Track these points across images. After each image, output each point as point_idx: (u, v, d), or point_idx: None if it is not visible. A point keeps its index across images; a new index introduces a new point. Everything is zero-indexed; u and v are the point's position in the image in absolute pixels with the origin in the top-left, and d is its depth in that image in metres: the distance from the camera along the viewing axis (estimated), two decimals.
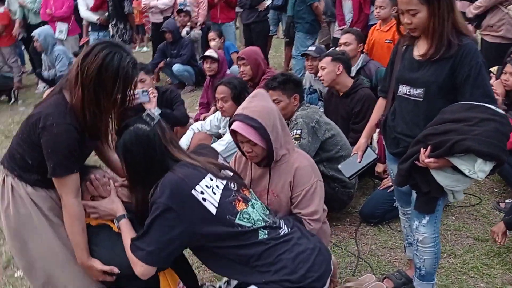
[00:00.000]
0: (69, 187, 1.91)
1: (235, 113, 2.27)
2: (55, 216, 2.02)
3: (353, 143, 2.95)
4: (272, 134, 2.21)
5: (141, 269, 1.86)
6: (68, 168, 1.89)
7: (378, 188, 3.53)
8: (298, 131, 3.05)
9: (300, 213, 2.29)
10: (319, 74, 3.78)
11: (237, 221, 1.92)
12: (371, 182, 3.89)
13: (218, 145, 3.51)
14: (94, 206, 2.07)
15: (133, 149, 1.91)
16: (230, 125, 2.27)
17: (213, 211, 1.88)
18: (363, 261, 2.93)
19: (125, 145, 1.92)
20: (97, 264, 1.97)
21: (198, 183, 1.89)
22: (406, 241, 2.64)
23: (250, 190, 2.15)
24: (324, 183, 2.42)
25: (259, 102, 2.26)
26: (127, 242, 1.92)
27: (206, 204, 1.87)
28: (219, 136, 3.87)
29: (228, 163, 3.43)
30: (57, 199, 2.00)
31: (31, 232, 2.00)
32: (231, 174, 2.12)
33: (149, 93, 3.47)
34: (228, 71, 5.13)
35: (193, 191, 1.86)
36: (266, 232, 1.97)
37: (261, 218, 2.00)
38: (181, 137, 3.72)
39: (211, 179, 1.95)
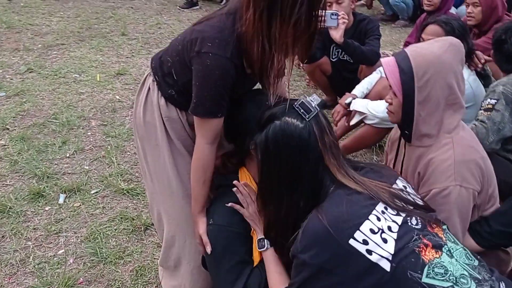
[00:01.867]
0: (207, 130, 1.58)
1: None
2: (181, 143, 1.74)
3: None
4: (420, 93, 1.52)
5: None
6: (211, 111, 1.53)
7: None
8: (493, 101, 2.26)
9: None
10: None
11: (424, 279, 1.24)
12: None
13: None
14: (248, 200, 1.57)
15: (276, 151, 1.37)
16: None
17: (386, 266, 1.23)
18: None
19: (266, 144, 1.38)
20: (202, 227, 1.64)
21: (358, 229, 1.26)
22: None
23: (445, 227, 1.41)
24: None
25: (437, 50, 1.56)
26: (272, 277, 1.47)
27: (372, 258, 1.24)
28: None
29: None
30: (189, 127, 1.72)
31: (151, 146, 1.78)
32: (412, 203, 1.40)
33: (339, 17, 2.86)
34: (453, 10, 4.13)
35: (351, 241, 1.25)
36: None
37: (466, 274, 1.27)
38: (363, 78, 3.08)
39: (379, 219, 1.29)
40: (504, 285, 1.30)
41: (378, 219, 1.28)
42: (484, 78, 2.72)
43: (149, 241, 2.40)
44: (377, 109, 2.66)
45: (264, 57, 1.44)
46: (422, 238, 1.29)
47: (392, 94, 1.60)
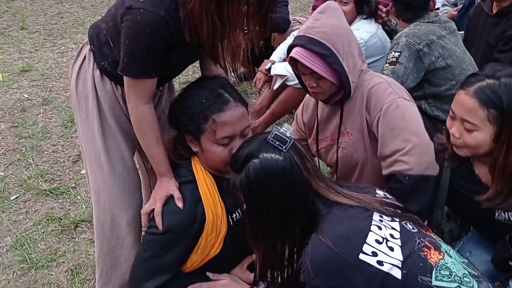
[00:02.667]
0: (142, 91, 1.50)
1: (296, 35, 1.70)
2: (113, 119, 1.65)
3: None
4: (347, 64, 1.62)
5: None
6: (144, 71, 1.45)
7: None
8: (396, 54, 2.32)
9: (388, 156, 1.61)
10: None
11: (434, 282, 1.23)
12: None
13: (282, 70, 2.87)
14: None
15: (261, 190, 1.30)
16: (288, 51, 1.69)
17: (398, 274, 1.22)
18: None
19: (248, 185, 1.30)
20: (162, 192, 1.54)
21: (365, 242, 1.24)
22: None
23: (428, 228, 1.45)
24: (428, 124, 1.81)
25: (328, 20, 1.65)
26: None
27: (384, 268, 1.22)
28: None
29: None
30: (123, 102, 1.62)
31: (82, 117, 1.68)
32: (399, 208, 1.41)
33: None
34: None
35: (361, 256, 1.22)
36: None
37: (466, 273, 1.29)
38: (277, 46, 3.10)
39: (380, 228, 1.28)
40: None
41: (379, 228, 1.28)
42: (391, 32, 2.84)
43: (81, 238, 2.31)
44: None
45: (215, 35, 1.39)
46: (423, 241, 1.30)
47: (315, 79, 1.65)
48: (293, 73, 2.71)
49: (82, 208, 2.49)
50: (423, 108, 2.38)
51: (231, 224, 1.58)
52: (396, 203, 1.43)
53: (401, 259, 1.23)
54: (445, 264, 1.26)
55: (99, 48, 1.59)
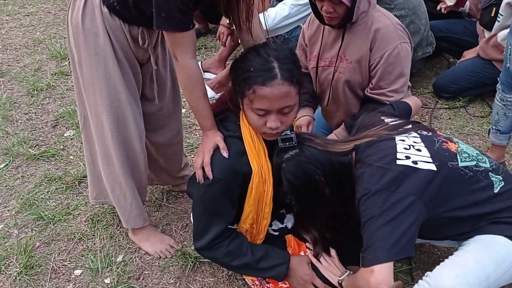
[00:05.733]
0: (186, 44, 1.54)
1: None
2: (123, 55, 1.70)
3: None
4: None
5: (379, 274, 1.38)
6: (185, 23, 1.49)
7: (458, 61, 3.20)
8: None
9: (379, 88, 1.97)
10: None
11: (460, 164, 1.52)
12: (445, 61, 3.49)
13: (280, 11, 3.08)
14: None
15: (304, 185, 1.57)
16: None
17: (433, 167, 1.46)
18: None
19: (293, 186, 1.58)
20: (210, 144, 1.62)
21: (396, 151, 1.49)
22: (494, 127, 2.37)
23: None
24: None
25: None
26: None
27: (420, 166, 1.46)
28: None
29: (295, 30, 3.15)
30: (132, 40, 1.68)
31: (89, 55, 1.67)
32: (409, 123, 1.67)
33: None
34: None
35: (398, 162, 1.46)
36: (502, 179, 1.56)
37: (478, 152, 1.62)
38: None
39: (403, 140, 1.54)
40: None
41: (403, 140, 1.54)
42: None
43: (88, 191, 2.40)
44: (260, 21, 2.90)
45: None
46: (440, 138, 1.59)
47: (332, 5, 1.84)
48: None
49: (80, 165, 2.55)
50: None
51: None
52: (405, 120, 1.71)
53: (429, 155, 1.49)
54: (463, 149, 1.58)
55: None
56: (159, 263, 2.02)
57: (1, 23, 4.39)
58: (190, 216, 1.94)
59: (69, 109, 2.98)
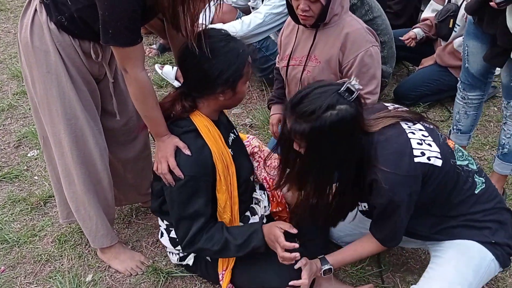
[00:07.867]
0: (135, 58, 1.54)
1: None
2: (75, 71, 1.69)
3: None
4: None
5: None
6: (132, 39, 1.50)
7: (417, 68, 3.34)
8: None
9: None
10: None
11: (458, 162, 1.57)
12: (405, 69, 3.61)
13: (255, 18, 3.10)
14: None
15: (333, 138, 1.46)
16: None
17: (439, 163, 1.51)
18: None
19: (323, 133, 1.44)
20: (170, 149, 1.64)
21: (412, 147, 1.50)
22: (455, 127, 2.49)
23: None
24: None
25: None
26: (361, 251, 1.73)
27: (432, 162, 1.50)
28: (246, 11, 3.44)
29: (266, 40, 3.14)
30: (83, 54, 1.67)
31: (41, 74, 1.66)
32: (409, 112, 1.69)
33: None
34: None
35: (416, 159, 1.48)
36: (483, 181, 1.63)
37: (466, 153, 1.67)
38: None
39: (413, 133, 1.54)
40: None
41: (413, 133, 1.54)
42: None
43: (55, 212, 2.34)
44: (235, 27, 2.96)
45: (175, 3, 1.48)
46: (442, 133, 1.63)
47: (309, 3, 1.92)
48: (232, 29, 2.95)
49: (45, 185, 2.50)
50: None
51: (230, 144, 1.77)
52: (405, 108, 1.73)
53: (439, 151, 1.52)
54: (458, 147, 1.64)
55: (53, 2, 1.58)
56: (130, 281, 1.99)
57: None
58: (159, 231, 1.93)
59: (32, 129, 2.92)
